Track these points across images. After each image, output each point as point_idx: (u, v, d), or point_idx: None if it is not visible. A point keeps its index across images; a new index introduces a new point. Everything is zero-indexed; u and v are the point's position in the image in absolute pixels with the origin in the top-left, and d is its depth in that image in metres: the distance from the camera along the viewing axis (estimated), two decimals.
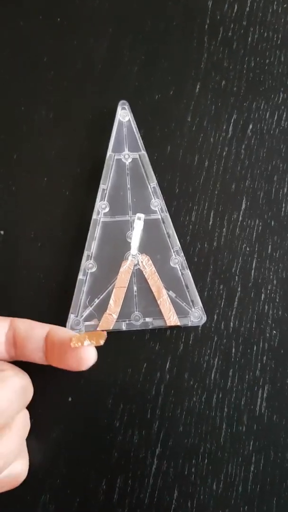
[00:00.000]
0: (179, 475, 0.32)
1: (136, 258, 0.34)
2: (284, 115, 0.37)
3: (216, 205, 0.35)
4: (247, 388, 0.33)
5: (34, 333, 0.29)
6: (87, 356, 0.28)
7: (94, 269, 0.33)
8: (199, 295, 0.33)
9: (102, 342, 0.28)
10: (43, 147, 0.36)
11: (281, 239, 0.35)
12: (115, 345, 0.33)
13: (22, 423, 0.29)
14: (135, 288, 0.33)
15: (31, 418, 0.30)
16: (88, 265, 0.33)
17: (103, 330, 0.32)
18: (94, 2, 0.38)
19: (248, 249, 0.35)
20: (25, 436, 0.29)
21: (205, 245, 0.35)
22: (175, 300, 0.33)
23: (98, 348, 0.31)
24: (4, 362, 0.29)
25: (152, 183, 0.34)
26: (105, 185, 0.34)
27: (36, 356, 0.29)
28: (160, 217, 0.34)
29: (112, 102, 0.35)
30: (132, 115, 0.35)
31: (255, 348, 0.34)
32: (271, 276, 0.35)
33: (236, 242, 0.35)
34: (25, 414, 0.29)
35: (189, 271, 0.33)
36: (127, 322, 0.33)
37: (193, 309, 0.33)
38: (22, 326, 0.29)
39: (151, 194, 0.34)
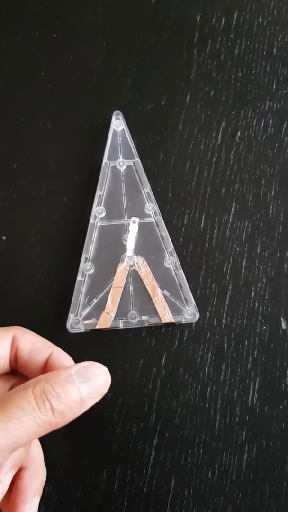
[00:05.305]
0: (176, 465, 0.34)
1: (131, 260, 0.35)
2: (270, 122, 0.39)
3: (207, 208, 0.37)
4: (239, 381, 0.35)
5: (37, 358, 0.28)
6: None
7: (92, 271, 0.35)
8: (192, 293, 0.35)
9: None
10: (42, 156, 0.37)
11: (269, 239, 0.37)
12: (113, 342, 0.35)
13: None
14: (131, 288, 0.35)
15: None
16: (86, 267, 0.35)
17: (102, 329, 0.34)
18: (88, 18, 0.40)
19: (238, 249, 0.37)
20: None
21: (197, 246, 0.37)
22: (169, 298, 0.35)
23: (98, 345, 0.33)
24: None
25: (146, 189, 0.36)
26: (101, 191, 0.36)
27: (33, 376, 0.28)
28: (154, 221, 0.36)
29: (107, 112, 0.37)
30: (126, 124, 0.37)
31: (246, 343, 0.35)
32: (260, 275, 0.36)
33: (226, 243, 0.37)
34: None
35: (182, 271, 0.35)
36: (124, 320, 0.34)
37: (186, 307, 0.35)
38: (25, 347, 0.28)
39: (145, 198, 0.36)
